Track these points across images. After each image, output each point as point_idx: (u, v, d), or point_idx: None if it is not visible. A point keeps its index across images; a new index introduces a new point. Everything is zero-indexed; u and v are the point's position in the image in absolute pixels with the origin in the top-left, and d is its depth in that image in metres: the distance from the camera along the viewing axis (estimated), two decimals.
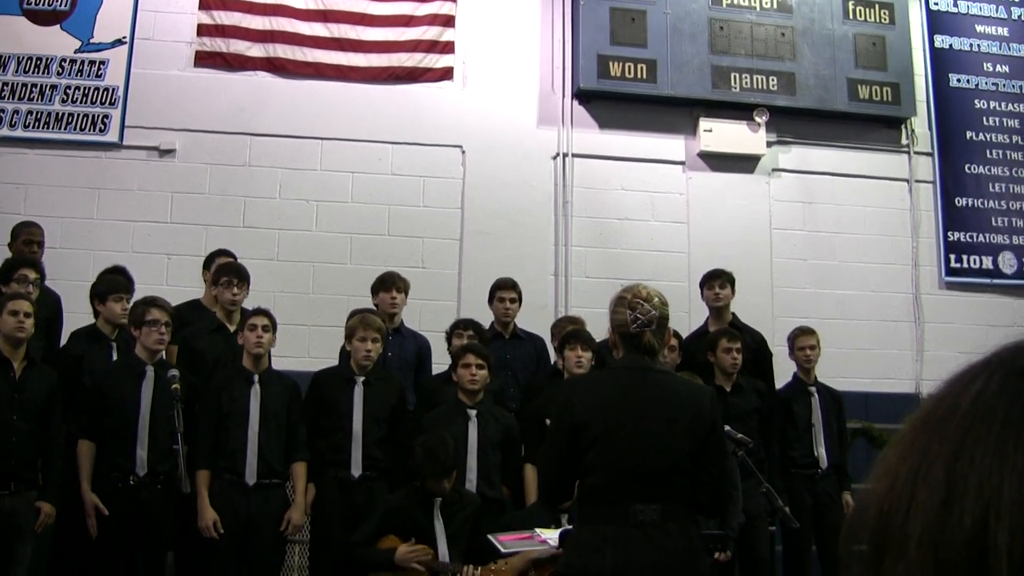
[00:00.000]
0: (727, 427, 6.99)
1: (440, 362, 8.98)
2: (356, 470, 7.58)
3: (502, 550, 6.06)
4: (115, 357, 7.88)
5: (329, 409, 7.75)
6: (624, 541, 4.46)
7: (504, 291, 9.25)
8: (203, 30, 11.02)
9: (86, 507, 7.08)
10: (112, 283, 8.22)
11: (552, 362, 8.89)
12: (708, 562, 4.90)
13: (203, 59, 10.98)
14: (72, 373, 7.64)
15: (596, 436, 4.57)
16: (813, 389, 9.03)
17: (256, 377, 7.56)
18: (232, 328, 8.19)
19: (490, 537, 6.20)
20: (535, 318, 9.65)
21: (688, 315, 10.31)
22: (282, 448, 7.53)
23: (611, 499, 4.53)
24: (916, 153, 12.25)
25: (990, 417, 0.94)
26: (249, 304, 8.20)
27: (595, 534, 4.53)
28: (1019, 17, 12.96)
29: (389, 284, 8.88)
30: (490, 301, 9.30)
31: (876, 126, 12.15)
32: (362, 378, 7.79)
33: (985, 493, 0.90)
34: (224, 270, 8.42)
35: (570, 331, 8.15)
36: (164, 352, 7.61)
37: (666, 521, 4.50)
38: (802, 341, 9.12)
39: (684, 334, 9.37)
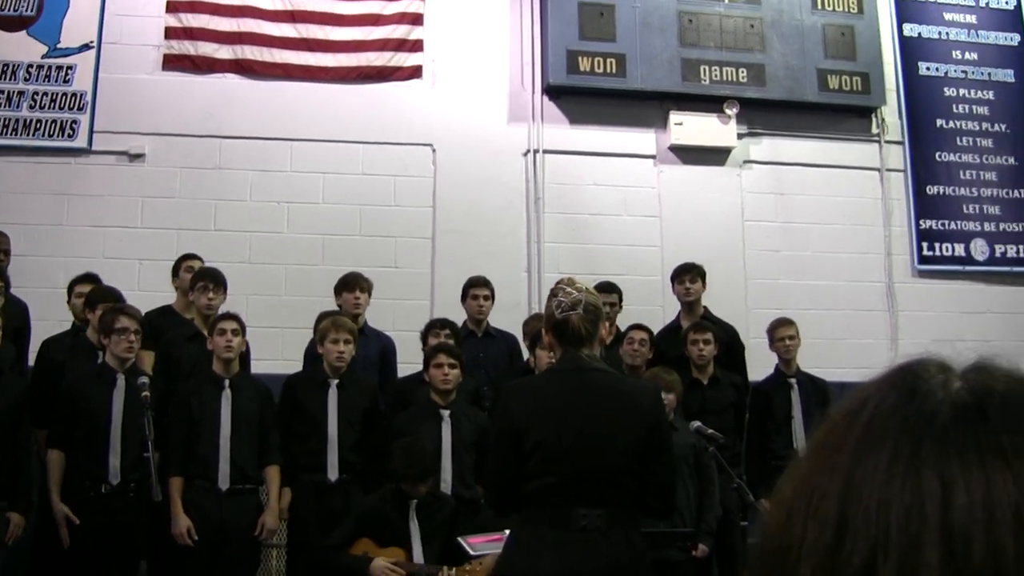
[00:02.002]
0: (697, 423, 7.03)
1: (406, 362, 9.00)
2: (332, 474, 7.60)
3: (471, 552, 6.07)
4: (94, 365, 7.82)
5: (303, 414, 7.77)
6: (565, 546, 4.37)
7: (477, 289, 9.27)
8: (171, 33, 10.98)
9: (56, 517, 7.06)
10: (103, 292, 8.20)
11: (524, 360, 8.90)
12: (675, 561, 4.82)
13: (171, 62, 10.94)
14: (54, 381, 7.62)
15: (537, 441, 4.45)
16: (793, 381, 9.00)
17: (227, 382, 7.55)
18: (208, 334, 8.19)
19: (460, 540, 6.21)
20: (508, 316, 9.66)
21: (662, 309, 10.35)
22: (255, 453, 7.53)
23: (554, 502, 4.44)
24: (887, 142, 12.30)
25: (880, 444, 0.96)
26: (221, 308, 8.18)
27: (535, 537, 4.44)
28: (987, 4, 13.01)
29: (352, 284, 8.87)
30: (463, 299, 9.32)
31: (846, 116, 12.19)
32: (336, 381, 7.80)
33: (873, 530, 0.91)
34: (201, 275, 8.40)
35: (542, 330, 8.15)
36: (136, 359, 7.58)
37: (610, 527, 4.40)
38: (781, 332, 9.12)
39: (658, 328, 9.41)
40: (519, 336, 9.20)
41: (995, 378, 1.01)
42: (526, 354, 8.87)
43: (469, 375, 8.50)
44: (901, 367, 1.04)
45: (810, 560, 0.94)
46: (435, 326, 8.72)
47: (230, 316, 7.72)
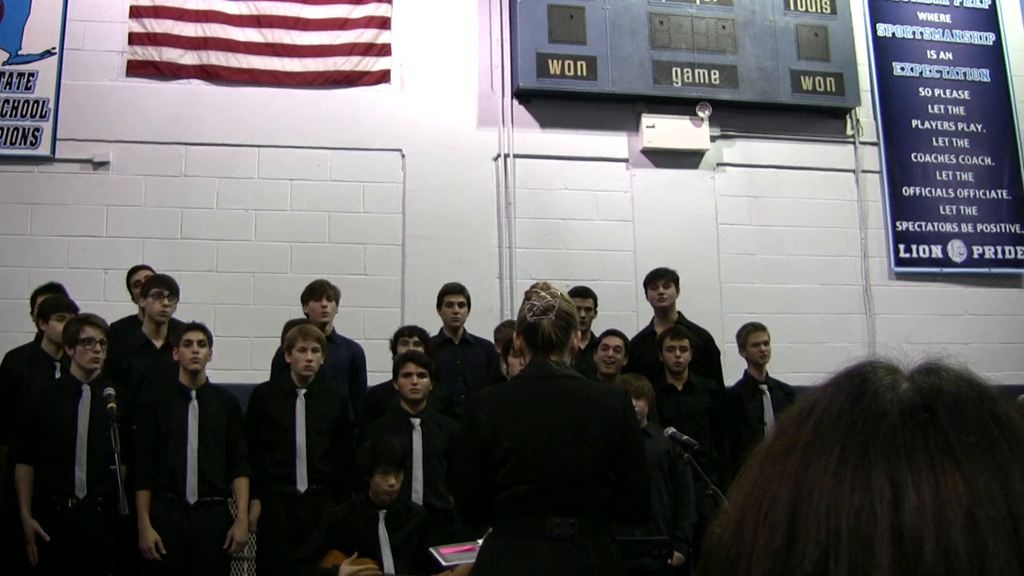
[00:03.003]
0: (672, 430, 7.05)
1: (377, 370, 9.03)
2: (302, 485, 7.62)
3: (443, 563, 6.08)
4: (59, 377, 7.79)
5: (271, 424, 7.78)
6: (538, 555, 4.37)
7: (452, 296, 9.30)
8: (134, 39, 10.97)
9: (27, 533, 7.04)
10: (56, 302, 8.19)
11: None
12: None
13: (135, 68, 10.93)
14: (11, 394, 7.62)
15: (507, 450, 4.47)
16: (765, 387, 9.04)
17: (193, 393, 7.56)
18: (159, 344, 8.21)
19: (432, 551, 6.21)
20: (481, 322, 9.65)
21: (636, 315, 10.38)
22: (223, 464, 7.53)
23: (526, 511, 4.44)
24: (862, 143, 12.37)
25: (828, 448, 0.98)
26: (188, 317, 8.17)
27: (508, 546, 4.44)
28: (961, 4, 13.10)
29: (319, 293, 8.92)
30: (439, 306, 9.34)
31: (821, 117, 12.26)
32: (304, 390, 7.81)
33: (823, 534, 0.93)
34: (154, 282, 8.38)
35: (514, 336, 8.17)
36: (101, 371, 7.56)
37: (584, 536, 4.42)
38: (754, 337, 9.15)
39: (632, 334, 9.45)
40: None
41: (943, 379, 1.03)
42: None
43: (445, 383, 8.57)
44: (848, 370, 1.07)
45: (761, 566, 0.96)
46: (404, 334, 8.77)
47: (196, 326, 7.71)
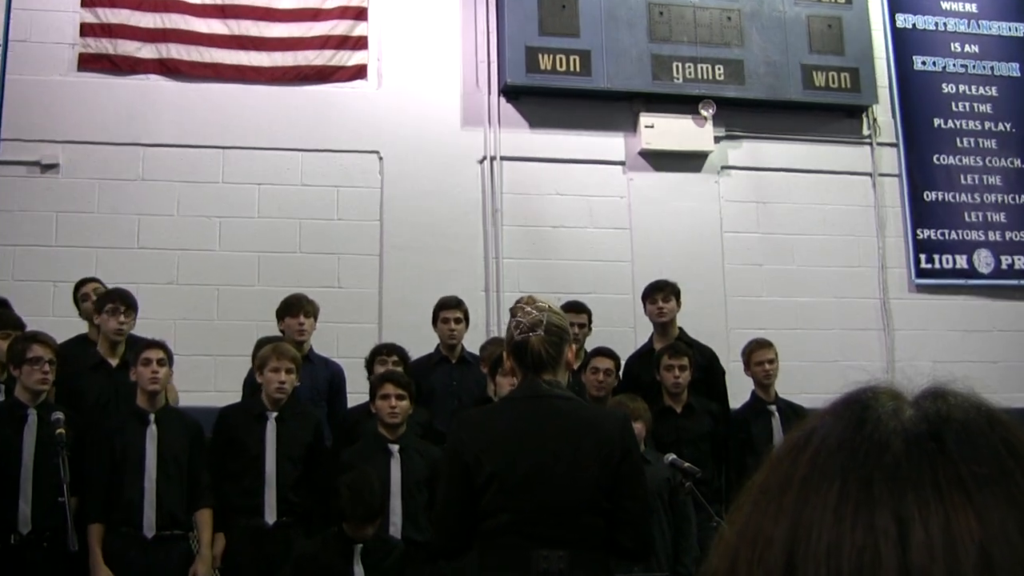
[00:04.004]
0: (672, 456, 7.06)
1: (352, 391, 9.03)
2: (270, 516, 7.58)
3: None
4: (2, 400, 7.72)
5: (238, 450, 7.74)
6: None
7: (448, 311, 9.29)
8: (87, 30, 10.94)
9: None
10: (0, 318, 8.17)
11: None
12: None
13: (87, 62, 10.91)
14: None
15: (491, 475, 4.44)
16: (773, 408, 9.03)
17: (152, 417, 7.50)
18: (115, 363, 8.14)
19: None
20: (466, 340, 9.61)
21: (633, 331, 10.40)
22: (184, 495, 7.48)
23: (511, 543, 4.40)
24: (879, 144, 12.41)
25: (827, 481, 0.98)
26: (146, 334, 8.14)
27: None
28: None
29: (296, 308, 8.89)
30: (434, 323, 9.33)
31: (834, 116, 12.29)
32: (274, 414, 7.78)
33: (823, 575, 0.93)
34: (109, 296, 8.32)
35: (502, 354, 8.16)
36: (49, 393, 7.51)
37: (574, 572, 4.36)
38: (759, 355, 9.15)
39: (630, 352, 9.46)
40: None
41: (951, 405, 1.02)
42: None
43: (439, 405, 8.61)
44: (848, 396, 1.06)
45: None
46: (381, 352, 8.77)
47: (155, 344, 7.67)
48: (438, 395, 8.90)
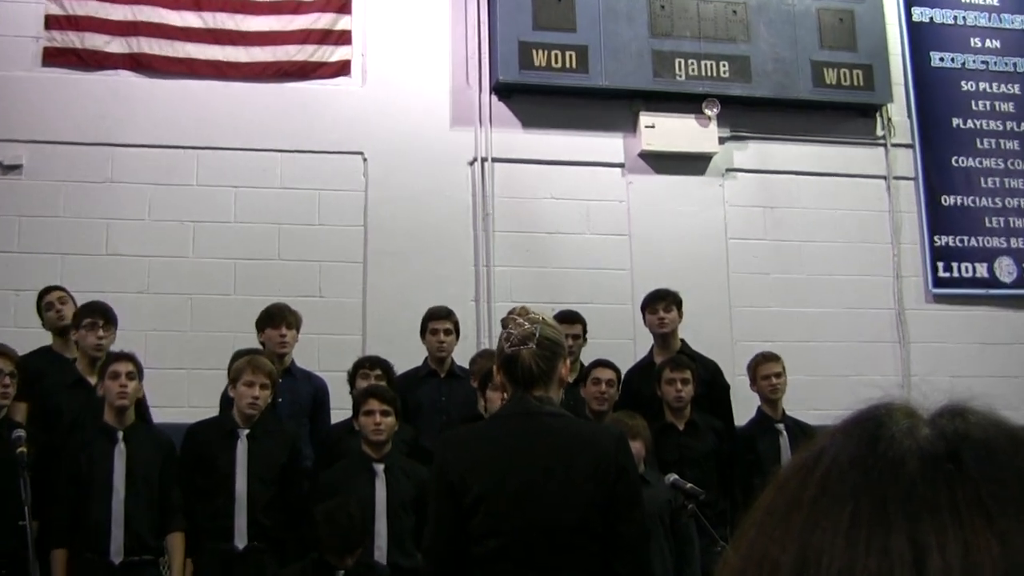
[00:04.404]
0: (674, 476, 7.05)
1: (341, 407, 8.97)
2: (240, 541, 7.55)
3: None
4: None
5: (207, 468, 7.72)
6: None
7: (437, 322, 9.29)
8: (52, 22, 10.91)
9: None
10: None
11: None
12: None
13: (53, 57, 10.88)
14: None
15: (478, 496, 4.39)
16: (781, 426, 9.06)
17: (120, 434, 7.50)
18: (94, 381, 8.06)
19: None
20: (456, 352, 9.60)
21: (632, 343, 10.39)
22: (154, 518, 7.49)
23: (500, 570, 4.39)
24: (894, 145, 12.42)
25: (838, 504, 0.95)
26: (115, 346, 8.13)
27: None
28: None
29: (277, 319, 8.88)
30: (422, 335, 9.34)
31: (846, 115, 12.31)
32: (246, 431, 7.77)
33: None
34: (87, 310, 8.32)
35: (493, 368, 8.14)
36: (8, 409, 7.49)
37: None
38: (765, 369, 9.17)
39: (629, 365, 9.44)
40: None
41: (970, 423, 1.00)
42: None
43: (427, 422, 8.62)
44: (860, 413, 1.04)
45: None
46: (364, 366, 8.77)
47: (124, 356, 7.67)
48: (425, 411, 8.90)
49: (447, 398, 9.13)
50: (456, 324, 9.36)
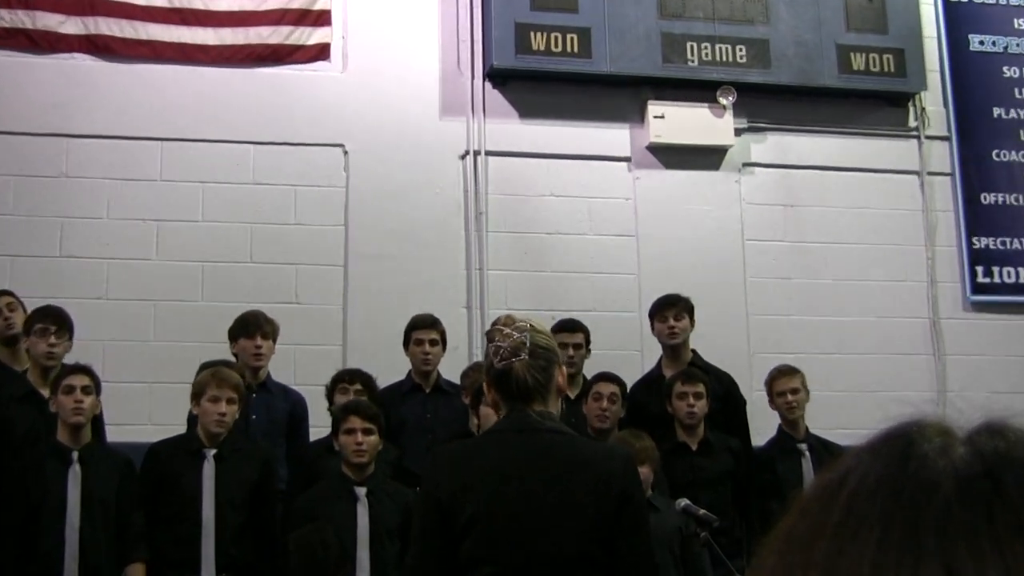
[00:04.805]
0: (685, 501, 7.05)
1: (319, 425, 8.99)
2: (208, 572, 7.53)
3: None
4: None
5: (171, 492, 7.70)
6: None
7: (422, 331, 9.30)
8: (1, 1, 10.92)
9: None
10: None
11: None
12: None
13: (1, 39, 10.84)
14: None
15: (471, 518, 4.35)
16: (803, 446, 9.05)
17: (75, 455, 7.49)
18: (48, 393, 8.06)
19: None
20: (444, 365, 9.58)
21: (639, 354, 10.40)
22: (112, 546, 7.48)
23: None
24: (928, 138, 12.42)
25: (865, 529, 0.96)
26: (69, 357, 8.14)
27: None
28: None
29: (252, 328, 8.88)
30: (405, 345, 9.34)
31: (876, 105, 12.32)
32: (213, 451, 7.76)
33: None
34: (39, 315, 8.32)
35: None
36: None
37: None
38: (781, 384, 9.18)
39: (636, 378, 9.44)
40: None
41: (1010, 442, 1.00)
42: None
43: (411, 441, 8.63)
44: (889, 432, 1.05)
45: None
46: (344, 379, 8.77)
47: (80, 369, 7.66)
48: (409, 429, 8.90)
49: (433, 415, 9.15)
50: (443, 333, 9.36)
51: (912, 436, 1.03)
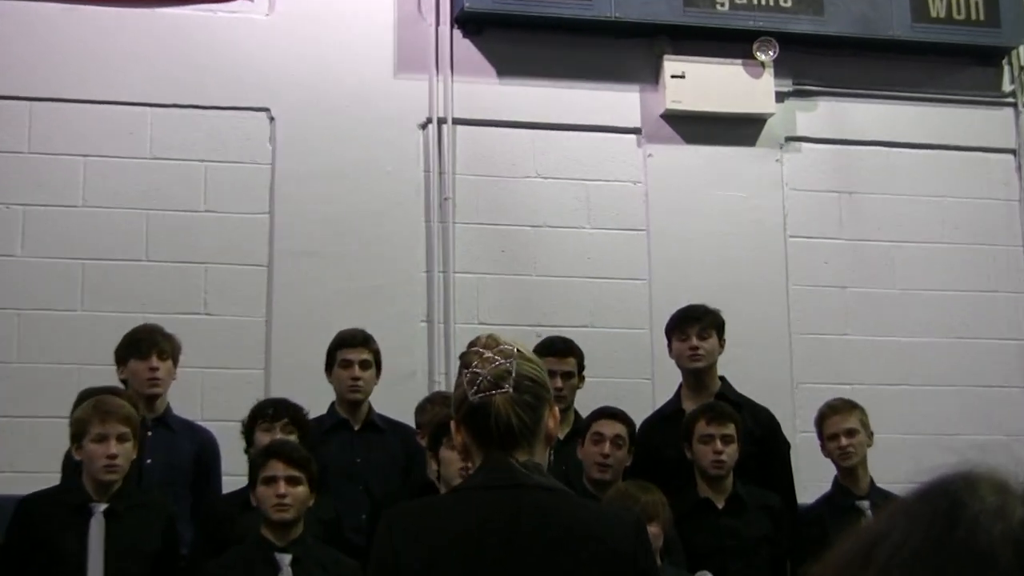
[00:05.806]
0: (707, 574, 7.03)
1: (234, 473, 8.99)
2: None
3: None
4: None
5: (48, 558, 7.67)
6: None
7: (350, 351, 9.31)
8: None
9: None
10: None
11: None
12: None
13: None
14: None
15: None
16: (865, 503, 9.01)
17: None
18: None
19: None
20: (396, 395, 9.71)
21: (650, 383, 10.45)
22: None
23: None
24: None
25: None
26: None
27: None
28: None
29: (146, 347, 8.87)
30: (328, 368, 9.37)
31: (959, 63, 12.40)
32: (103, 505, 7.72)
33: None
34: None
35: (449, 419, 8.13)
36: None
37: None
38: (833, 424, 9.15)
39: (646, 414, 9.42)
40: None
41: None
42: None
43: (336, 494, 8.60)
44: (932, 487, 1.10)
45: None
46: (265, 413, 8.72)
47: None
48: (333, 479, 8.82)
49: (363, 459, 9.20)
50: (376, 354, 9.35)
51: (957, 494, 1.06)
